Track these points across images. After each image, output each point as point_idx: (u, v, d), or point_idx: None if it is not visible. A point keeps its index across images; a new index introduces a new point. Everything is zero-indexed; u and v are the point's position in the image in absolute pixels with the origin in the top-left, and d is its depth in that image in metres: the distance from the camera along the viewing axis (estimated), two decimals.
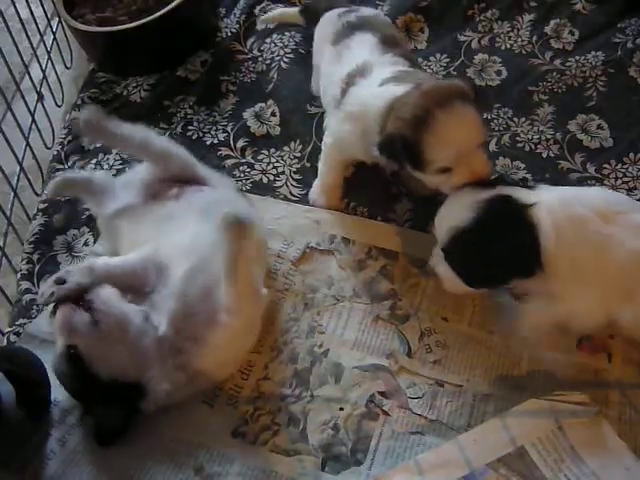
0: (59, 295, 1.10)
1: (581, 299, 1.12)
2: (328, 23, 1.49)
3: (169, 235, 1.20)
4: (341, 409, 1.17)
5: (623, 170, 1.45)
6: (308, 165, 1.52)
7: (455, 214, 1.13)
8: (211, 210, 1.19)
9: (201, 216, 1.21)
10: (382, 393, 1.19)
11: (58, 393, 1.20)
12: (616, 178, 1.44)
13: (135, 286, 1.17)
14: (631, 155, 1.48)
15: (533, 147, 1.51)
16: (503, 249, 1.08)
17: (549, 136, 1.53)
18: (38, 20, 1.78)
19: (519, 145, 1.52)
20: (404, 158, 1.17)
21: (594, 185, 1.43)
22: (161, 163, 1.31)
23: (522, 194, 1.12)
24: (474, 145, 1.16)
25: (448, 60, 1.69)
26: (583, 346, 1.22)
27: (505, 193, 1.12)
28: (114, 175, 1.52)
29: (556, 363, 1.20)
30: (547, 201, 1.10)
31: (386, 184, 1.45)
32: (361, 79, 1.29)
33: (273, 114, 1.63)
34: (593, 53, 1.67)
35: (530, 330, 1.20)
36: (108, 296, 1.12)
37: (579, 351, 1.21)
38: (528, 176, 1.46)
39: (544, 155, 1.50)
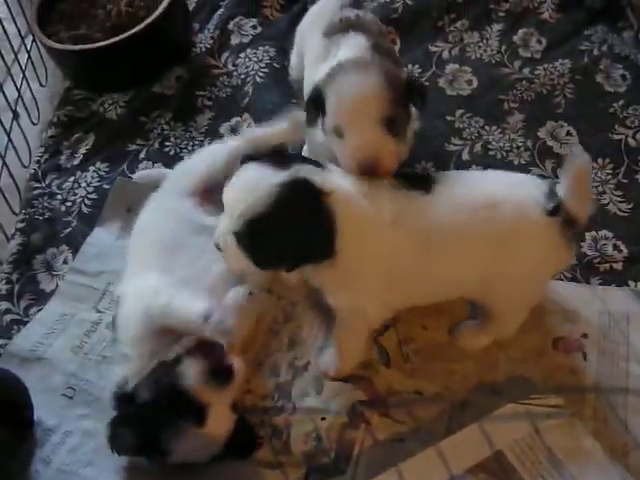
0: None
1: (359, 299, 1.12)
2: (325, 10, 1.44)
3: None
4: (323, 419, 1.19)
5: (592, 175, 1.48)
6: None
7: (249, 196, 1.02)
8: None
9: None
10: (363, 402, 1.20)
11: (41, 413, 1.21)
12: None
13: None
14: (599, 160, 1.51)
15: (505, 155, 1.54)
16: (298, 237, 1.03)
17: (520, 144, 1.56)
18: (12, 38, 1.78)
19: (491, 153, 1.55)
20: (320, 110, 1.18)
21: None
22: None
23: (318, 178, 1.04)
24: (366, 115, 1.12)
25: (420, 71, 1.72)
26: (558, 346, 1.25)
27: (301, 176, 1.03)
28: (93, 192, 1.54)
29: (531, 365, 1.22)
30: (343, 191, 1.06)
31: None
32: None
33: (249, 128, 1.64)
34: (560, 61, 1.70)
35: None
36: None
37: (554, 351, 1.24)
38: None
39: (515, 162, 1.53)
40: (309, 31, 1.44)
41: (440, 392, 1.21)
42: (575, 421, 1.14)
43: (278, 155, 1.13)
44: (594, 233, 1.39)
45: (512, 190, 1.09)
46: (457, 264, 1.08)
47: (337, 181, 1.07)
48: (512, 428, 1.14)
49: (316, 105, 1.18)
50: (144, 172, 1.58)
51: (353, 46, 1.29)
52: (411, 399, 1.20)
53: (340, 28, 1.35)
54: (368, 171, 1.11)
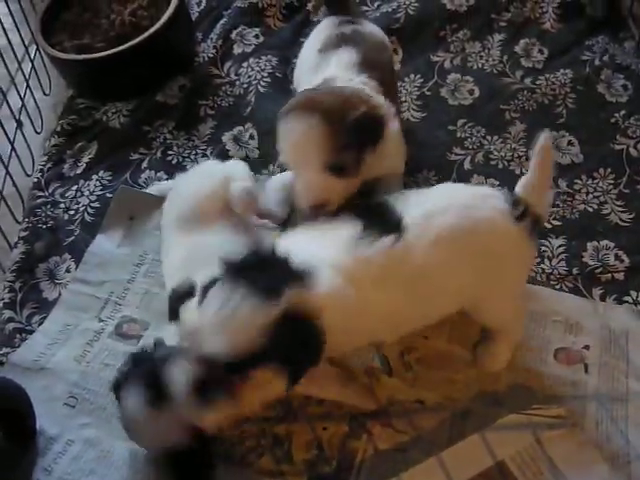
0: None
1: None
2: (325, 28, 1.44)
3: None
4: (324, 428, 1.19)
5: (594, 185, 1.49)
6: None
7: (238, 335, 0.93)
8: None
9: None
10: (365, 412, 1.20)
11: (43, 422, 1.22)
12: (587, 193, 1.48)
13: None
14: (601, 170, 1.51)
15: (506, 164, 1.55)
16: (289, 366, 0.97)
17: (521, 153, 1.56)
18: (15, 47, 1.79)
19: (492, 163, 1.55)
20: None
21: (565, 200, 1.46)
22: None
23: (311, 299, 0.97)
24: (309, 163, 1.14)
25: (422, 80, 1.73)
26: (560, 357, 1.25)
27: (294, 306, 0.95)
28: (96, 200, 1.56)
29: (533, 375, 1.22)
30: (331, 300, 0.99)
31: None
32: None
33: (251, 137, 1.65)
34: (562, 71, 1.71)
35: None
36: None
37: (555, 362, 1.24)
38: None
39: (517, 172, 1.53)
40: (307, 47, 1.46)
41: (442, 402, 1.21)
42: (576, 432, 1.14)
43: (261, 268, 1.00)
44: (596, 243, 1.39)
45: (479, 207, 1.09)
46: (443, 296, 1.10)
47: (325, 284, 0.99)
48: (514, 438, 1.14)
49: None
50: (162, 185, 1.55)
51: (340, 62, 1.30)
52: (413, 409, 1.20)
53: (334, 43, 1.36)
54: (317, 210, 1.15)
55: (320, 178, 1.15)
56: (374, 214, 1.09)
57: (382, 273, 1.03)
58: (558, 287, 1.33)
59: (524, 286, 1.25)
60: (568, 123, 1.61)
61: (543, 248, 1.39)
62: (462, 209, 1.08)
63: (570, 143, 1.57)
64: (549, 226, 1.42)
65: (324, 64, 1.33)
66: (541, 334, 1.27)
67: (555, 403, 1.18)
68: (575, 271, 1.36)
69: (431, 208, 1.08)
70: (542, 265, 1.37)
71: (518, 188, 1.13)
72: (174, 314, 1.09)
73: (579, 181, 1.50)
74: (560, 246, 1.39)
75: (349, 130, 1.13)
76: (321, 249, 1.05)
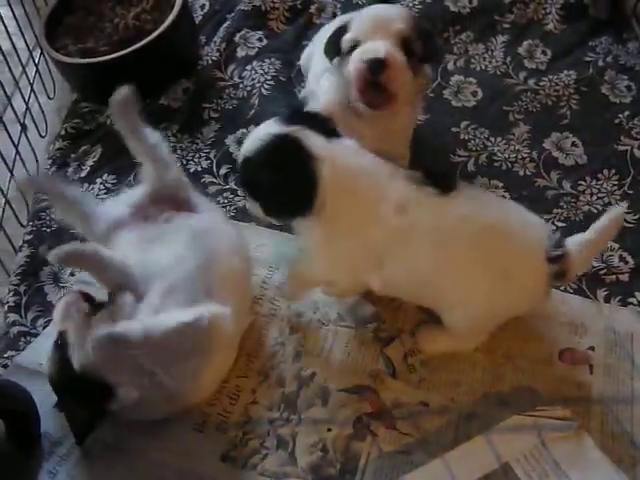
0: None
1: (332, 265, 1.18)
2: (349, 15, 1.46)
3: (154, 253, 1.22)
4: (329, 430, 1.19)
5: (598, 186, 1.49)
6: None
7: (247, 144, 1.15)
8: (198, 238, 1.22)
9: (188, 241, 1.23)
10: (369, 414, 1.20)
11: (48, 425, 1.22)
12: (591, 194, 1.48)
13: (127, 285, 1.19)
14: (605, 171, 1.51)
15: (510, 166, 1.55)
16: (279, 186, 1.11)
17: (525, 155, 1.56)
18: (20, 51, 1.80)
19: (496, 164, 1.55)
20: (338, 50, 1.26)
21: (570, 202, 1.46)
22: (163, 171, 1.32)
23: (315, 143, 1.11)
24: (384, 28, 1.18)
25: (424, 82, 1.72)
26: (565, 358, 1.25)
27: (297, 135, 1.11)
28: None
29: (538, 376, 1.22)
30: (340, 163, 1.11)
31: None
32: None
33: None
34: (566, 72, 1.71)
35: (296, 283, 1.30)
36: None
37: (560, 363, 1.24)
38: (506, 194, 1.49)
39: (521, 173, 1.53)
40: (327, 28, 1.48)
41: (446, 403, 1.20)
42: (582, 433, 1.13)
43: (303, 115, 1.21)
44: None
45: (525, 226, 1.14)
46: (447, 273, 1.12)
47: (338, 154, 1.12)
48: (519, 440, 1.13)
49: (336, 42, 1.23)
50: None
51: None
52: (417, 411, 1.20)
53: None
54: (373, 81, 1.17)
55: (390, 43, 1.17)
56: (438, 174, 1.17)
57: (411, 205, 1.10)
58: (562, 288, 1.32)
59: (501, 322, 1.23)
60: (572, 124, 1.61)
61: None
62: (510, 217, 1.14)
63: (574, 144, 1.57)
64: (553, 227, 1.42)
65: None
66: (546, 334, 1.27)
67: (560, 404, 1.17)
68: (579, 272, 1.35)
69: (482, 199, 1.16)
70: None
71: (569, 238, 1.14)
72: None
73: (583, 182, 1.50)
74: None
75: (424, 31, 1.21)
76: (373, 160, 1.15)
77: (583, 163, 1.53)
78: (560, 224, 1.43)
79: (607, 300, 1.31)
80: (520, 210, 1.18)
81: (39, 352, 1.33)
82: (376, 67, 1.16)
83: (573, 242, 1.13)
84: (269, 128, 1.13)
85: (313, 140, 1.11)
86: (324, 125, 1.16)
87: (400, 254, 1.12)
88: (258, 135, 1.13)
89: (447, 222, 1.10)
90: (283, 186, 1.11)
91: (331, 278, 1.23)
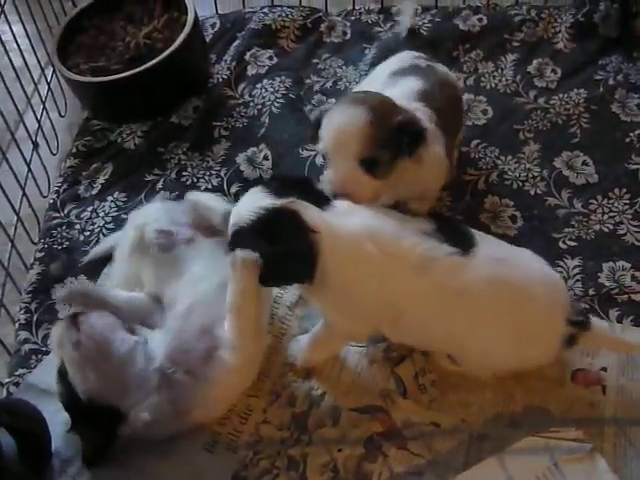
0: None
1: (349, 325, 1.17)
2: (404, 56, 1.49)
3: (176, 276, 1.25)
4: (339, 451, 1.18)
5: (609, 205, 1.48)
6: None
7: (241, 213, 1.11)
8: (218, 256, 1.25)
9: (208, 260, 1.26)
10: (380, 434, 1.20)
11: (59, 444, 1.22)
12: (603, 213, 1.47)
13: (138, 319, 1.24)
14: (616, 190, 1.50)
15: (520, 185, 1.54)
16: (275, 257, 1.08)
17: (536, 173, 1.56)
18: (32, 69, 1.82)
19: (506, 183, 1.55)
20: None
21: (581, 221, 1.46)
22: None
23: (311, 214, 1.09)
24: (345, 152, 1.17)
25: None
26: (577, 378, 1.24)
27: (293, 208, 1.09)
28: (111, 221, 1.58)
29: (550, 397, 1.21)
30: (336, 231, 1.09)
31: None
32: None
33: (266, 158, 1.66)
34: (576, 90, 1.71)
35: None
36: (96, 321, 1.18)
37: (573, 383, 1.23)
38: (517, 213, 1.49)
39: (532, 192, 1.53)
40: (381, 68, 1.49)
41: (457, 424, 1.20)
42: (595, 455, 1.12)
43: (288, 182, 1.17)
44: (612, 264, 1.38)
45: (548, 287, 1.14)
46: (466, 329, 1.12)
47: (336, 223, 1.10)
48: (531, 462, 1.12)
49: (316, 127, 1.23)
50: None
51: (404, 86, 1.35)
52: (428, 431, 1.19)
53: (406, 71, 1.41)
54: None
55: (351, 169, 1.18)
56: (452, 227, 1.17)
57: (432, 265, 1.08)
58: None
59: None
60: (582, 143, 1.60)
61: (559, 269, 1.38)
62: (532, 276, 1.13)
63: (585, 163, 1.56)
64: (564, 247, 1.42)
65: (390, 85, 1.37)
66: (558, 355, 1.25)
67: (572, 425, 1.17)
68: (591, 292, 1.35)
69: (503, 256, 1.13)
70: None
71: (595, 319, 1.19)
72: None
73: (594, 201, 1.49)
74: (576, 267, 1.39)
75: (390, 131, 1.17)
76: (375, 220, 1.13)
77: (594, 182, 1.53)
78: (571, 243, 1.42)
79: (619, 320, 1.31)
80: (538, 264, 1.18)
81: (49, 370, 1.32)
82: (339, 195, 1.19)
83: (597, 323, 1.17)
84: (262, 199, 1.10)
85: (309, 212, 1.09)
86: (314, 192, 1.15)
87: (418, 312, 1.12)
88: (251, 206, 1.10)
89: (470, 284, 1.09)
90: (280, 259, 1.08)
91: (351, 334, 1.23)
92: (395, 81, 1.38)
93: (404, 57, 1.48)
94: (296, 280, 1.13)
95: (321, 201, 1.13)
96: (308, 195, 1.12)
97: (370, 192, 1.20)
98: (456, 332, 1.13)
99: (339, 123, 1.18)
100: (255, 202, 1.10)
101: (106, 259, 1.48)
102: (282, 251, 1.07)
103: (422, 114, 1.27)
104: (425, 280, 1.08)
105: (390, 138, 1.17)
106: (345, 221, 1.11)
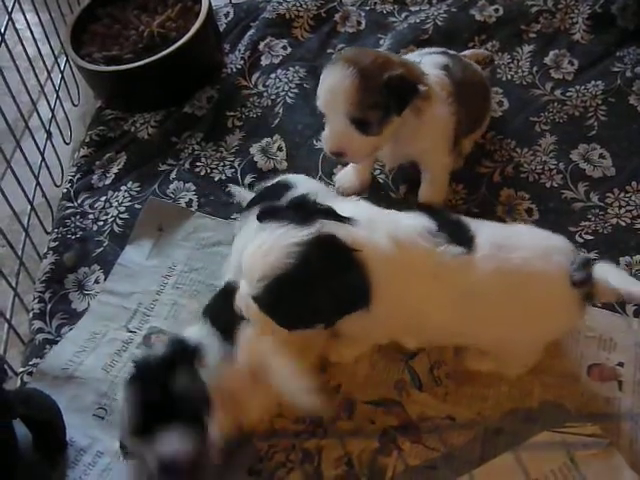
0: None
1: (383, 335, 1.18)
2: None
3: None
4: (355, 444, 1.18)
5: (626, 199, 1.47)
6: None
7: (269, 258, 0.96)
8: None
9: None
10: (395, 427, 1.19)
11: (73, 433, 1.22)
12: (620, 207, 1.46)
13: None
14: (633, 184, 1.49)
15: (537, 177, 1.53)
16: (329, 295, 0.98)
17: (552, 166, 1.54)
18: (45, 58, 1.81)
19: (522, 176, 1.54)
20: None
21: (597, 214, 1.45)
22: None
23: (345, 233, 1.00)
24: (337, 111, 1.22)
25: None
26: (593, 373, 1.23)
27: (327, 232, 0.98)
28: (124, 211, 1.57)
29: (566, 392, 1.21)
30: (377, 243, 1.02)
31: None
32: None
33: (279, 149, 1.65)
34: (593, 82, 1.69)
35: None
36: None
37: (589, 378, 1.22)
38: (533, 206, 1.47)
39: (548, 185, 1.51)
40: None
41: (473, 417, 1.19)
42: (613, 451, 1.11)
43: (297, 209, 1.04)
44: (628, 258, 1.37)
45: (545, 259, 1.09)
46: (482, 324, 1.10)
47: (365, 235, 1.01)
48: (548, 457, 1.12)
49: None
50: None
51: (429, 59, 1.38)
52: (444, 425, 1.19)
53: (434, 51, 1.45)
54: (337, 157, 1.29)
55: (344, 128, 1.23)
56: (449, 223, 1.11)
57: (444, 269, 1.05)
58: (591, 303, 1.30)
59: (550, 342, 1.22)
60: (599, 135, 1.59)
61: None
62: (528, 254, 1.09)
63: (602, 156, 1.55)
64: (581, 240, 1.40)
65: (416, 58, 1.39)
66: (574, 350, 1.25)
67: (588, 421, 1.16)
68: None
69: (501, 242, 1.09)
70: None
71: (598, 265, 1.10)
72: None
73: (611, 195, 1.48)
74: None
75: (379, 89, 1.20)
76: (385, 220, 1.08)
77: (611, 175, 1.51)
78: (588, 237, 1.41)
79: (637, 315, 1.29)
80: (538, 236, 1.15)
81: (62, 357, 1.34)
82: (336, 156, 1.28)
83: (601, 271, 1.09)
84: (286, 235, 0.97)
85: (343, 231, 0.99)
86: (327, 210, 1.04)
87: (439, 317, 1.08)
88: (278, 246, 0.96)
89: (478, 280, 1.06)
90: (339, 292, 0.98)
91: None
92: (422, 56, 1.40)
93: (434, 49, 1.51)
94: (357, 308, 1.02)
95: (339, 216, 1.03)
96: (325, 214, 1.02)
97: (365, 149, 1.27)
98: (474, 330, 1.12)
99: (330, 84, 1.22)
100: (280, 241, 0.97)
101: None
102: (338, 284, 0.97)
103: (439, 80, 1.32)
104: (441, 283, 1.06)
105: (379, 97, 1.20)
106: (374, 232, 1.03)
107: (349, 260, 0.98)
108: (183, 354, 1.11)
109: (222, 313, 1.15)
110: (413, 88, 1.23)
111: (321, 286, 0.97)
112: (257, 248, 0.98)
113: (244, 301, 1.04)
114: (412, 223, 1.08)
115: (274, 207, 1.07)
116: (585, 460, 1.11)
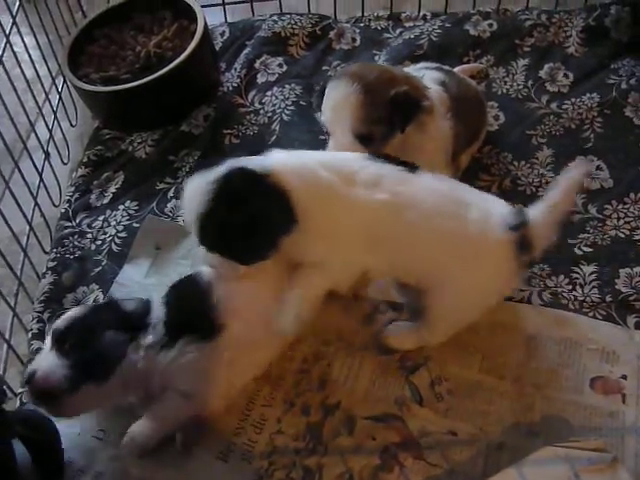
0: None
1: (334, 256, 1.15)
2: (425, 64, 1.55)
3: None
4: (356, 461, 1.17)
5: (624, 210, 1.46)
6: None
7: (194, 202, 1.08)
8: None
9: None
10: (396, 444, 1.18)
11: (71, 453, 1.21)
12: (618, 218, 1.45)
13: None
14: (632, 195, 1.49)
15: (534, 190, 1.53)
16: (254, 222, 1.07)
17: (549, 179, 1.54)
18: (43, 79, 1.82)
19: (520, 189, 1.54)
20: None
21: (596, 226, 1.44)
22: None
23: (256, 162, 1.10)
24: (341, 125, 1.24)
25: None
26: (596, 386, 1.22)
27: (237, 165, 1.09)
28: (122, 230, 1.56)
29: (568, 405, 1.20)
30: (289, 166, 1.11)
31: None
32: None
33: None
34: (588, 95, 1.70)
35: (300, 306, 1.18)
36: None
37: (592, 392, 1.21)
38: None
39: None
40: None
41: (475, 433, 1.18)
42: (617, 465, 1.10)
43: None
44: (629, 270, 1.36)
45: (484, 201, 1.18)
46: (419, 244, 1.14)
47: (280, 160, 1.11)
48: (551, 472, 1.10)
49: (321, 96, 1.30)
50: None
51: (427, 75, 1.40)
52: (445, 440, 1.18)
53: (430, 67, 1.48)
54: None
55: (348, 143, 1.24)
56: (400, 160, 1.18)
57: (381, 180, 1.12)
58: (591, 315, 1.30)
59: (478, 311, 1.23)
60: (596, 147, 1.59)
61: (575, 275, 1.36)
62: (471, 193, 1.18)
63: (599, 168, 1.55)
64: (580, 253, 1.40)
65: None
66: (576, 362, 1.25)
67: (592, 435, 1.15)
68: (608, 298, 1.33)
69: (447, 179, 1.19)
70: (574, 292, 1.34)
71: (530, 207, 1.18)
72: None
73: (609, 206, 1.48)
74: (592, 273, 1.37)
75: (384, 104, 1.22)
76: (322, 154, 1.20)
77: (609, 187, 1.51)
78: (587, 249, 1.41)
79: (638, 327, 1.29)
80: (483, 194, 1.23)
81: None
82: None
83: (533, 209, 1.16)
84: (203, 178, 1.09)
85: (251, 162, 1.10)
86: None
87: (384, 227, 1.13)
88: (201, 186, 1.07)
89: (417, 193, 1.13)
90: (264, 215, 1.08)
91: (326, 268, 1.17)
92: (419, 71, 1.43)
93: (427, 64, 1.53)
94: (286, 228, 1.09)
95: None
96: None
97: None
98: (418, 250, 1.14)
99: (335, 99, 1.23)
100: (200, 185, 1.08)
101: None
102: (257, 207, 1.06)
103: (438, 95, 1.33)
104: (377, 194, 1.11)
105: (384, 113, 1.22)
106: (294, 159, 1.13)
107: (261, 184, 1.06)
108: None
109: None
110: (417, 104, 1.25)
111: (243, 212, 1.06)
112: (186, 199, 1.11)
113: (201, 253, 1.16)
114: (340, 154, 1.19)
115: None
116: (589, 475, 1.09)
